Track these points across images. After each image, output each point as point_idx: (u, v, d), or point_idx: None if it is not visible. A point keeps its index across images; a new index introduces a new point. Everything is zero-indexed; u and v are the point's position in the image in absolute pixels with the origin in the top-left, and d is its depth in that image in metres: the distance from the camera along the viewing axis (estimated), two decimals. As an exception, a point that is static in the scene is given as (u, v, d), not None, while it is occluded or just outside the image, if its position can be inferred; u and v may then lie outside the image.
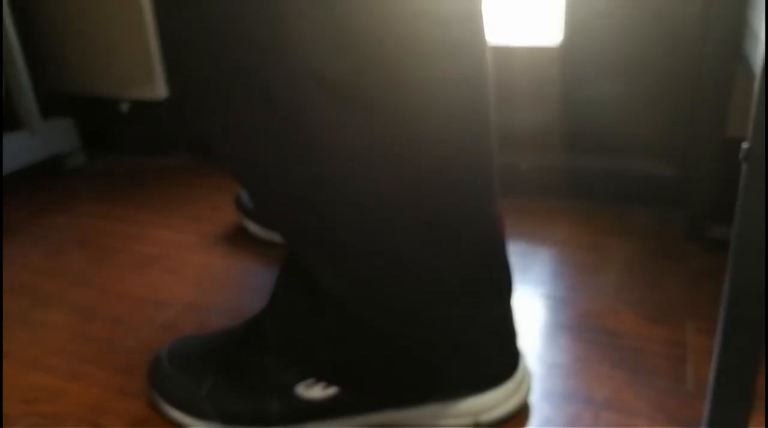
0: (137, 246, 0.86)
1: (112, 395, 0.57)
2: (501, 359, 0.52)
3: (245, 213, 0.86)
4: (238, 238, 0.87)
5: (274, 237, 0.83)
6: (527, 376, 0.54)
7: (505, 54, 0.89)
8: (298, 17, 0.36)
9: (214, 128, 0.44)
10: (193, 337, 0.58)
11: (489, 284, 0.49)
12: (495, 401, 0.51)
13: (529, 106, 0.91)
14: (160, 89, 1.17)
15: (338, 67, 0.37)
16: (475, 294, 0.48)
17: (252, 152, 0.43)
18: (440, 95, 0.40)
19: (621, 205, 0.90)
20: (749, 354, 0.41)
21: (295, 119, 0.39)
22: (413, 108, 0.40)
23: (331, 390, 0.50)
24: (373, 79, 0.38)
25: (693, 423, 0.51)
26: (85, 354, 0.64)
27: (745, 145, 0.38)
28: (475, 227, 0.46)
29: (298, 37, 0.37)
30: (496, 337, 0.51)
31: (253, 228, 0.86)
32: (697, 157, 0.77)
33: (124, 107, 1.20)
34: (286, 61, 0.37)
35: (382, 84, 0.39)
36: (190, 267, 0.80)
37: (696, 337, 0.61)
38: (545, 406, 0.54)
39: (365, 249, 0.44)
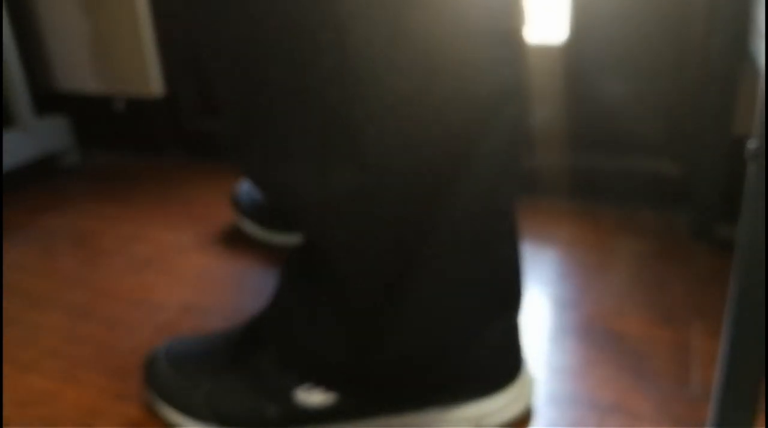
0: (133, 246, 0.85)
1: (108, 398, 0.57)
2: (504, 364, 0.51)
3: (242, 212, 0.86)
4: (235, 238, 0.86)
5: (272, 237, 0.83)
6: (530, 382, 0.53)
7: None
8: (361, 19, 0.36)
9: (250, 133, 0.43)
10: (191, 337, 0.57)
11: (502, 292, 0.49)
12: (496, 407, 0.50)
13: (534, 105, 0.91)
14: (155, 87, 1.16)
15: (398, 77, 0.37)
16: (488, 302, 0.48)
17: (288, 159, 0.42)
18: (486, 108, 0.41)
19: (626, 204, 0.90)
20: (755, 356, 0.41)
21: (344, 124, 0.39)
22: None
23: (331, 396, 0.49)
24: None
25: (698, 426, 0.50)
26: (79, 356, 0.63)
27: (750, 144, 0.38)
28: (499, 233, 0.47)
29: (363, 40, 0.36)
30: (503, 343, 0.51)
31: (251, 228, 0.85)
32: (703, 155, 0.77)
33: (120, 105, 1.19)
34: (346, 67, 0.37)
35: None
36: (186, 268, 0.79)
37: (701, 339, 0.61)
38: (550, 410, 0.53)
39: (384, 254, 0.43)
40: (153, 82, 1.15)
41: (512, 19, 0.41)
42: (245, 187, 0.86)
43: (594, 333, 0.63)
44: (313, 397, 0.49)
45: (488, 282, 0.47)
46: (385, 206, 0.41)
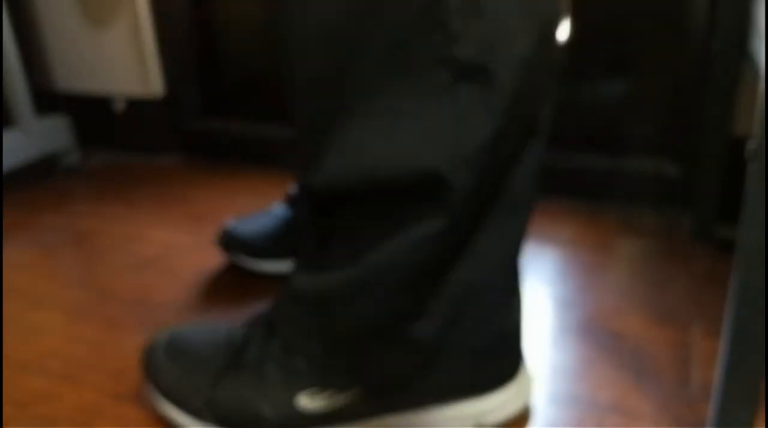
0: (133, 246, 0.85)
1: (107, 398, 0.57)
2: (504, 361, 0.51)
3: (238, 248, 0.77)
4: (235, 238, 0.86)
5: (276, 266, 0.76)
6: (528, 379, 0.53)
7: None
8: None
9: (354, 116, 0.42)
10: (192, 329, 0.56)
11: (514, 278, 0.50)
12: (495, 404, 0.50)
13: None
14: (155, 87, 1.16)
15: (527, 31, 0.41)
16: (507, 283, 0.49)
17: (413, 121, 0.42)
18: None
19: (626, 204, 0.90)
20: (755, 356, 0.41)
21: (481, 78, 0.41)
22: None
23: (332, 401, 0.49)
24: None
25: (698, 426, 0.50)
26: (79, 356, 0.63)
27: (750, 144, 0.38)
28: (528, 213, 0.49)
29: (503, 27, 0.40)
30: (504, 340, 0.51)
31: (249, 263, 0.77)
32: (703, 155, 0.77)
33: (120, 105, 1.20)
34: (480, 24, 0.40)
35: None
36: (186, 268, 0.79)
37: (701, 339, 0.61)
38: (550, 409, 0.53)
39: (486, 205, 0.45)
40: (153, 82, 1.15)
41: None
42: (232, 227, 0.78)
43: (594, 333, 0.63)
44: (315, 402, 0.49)
45: (511, 260, 0.49)
46: (507, 148, 0.44)
